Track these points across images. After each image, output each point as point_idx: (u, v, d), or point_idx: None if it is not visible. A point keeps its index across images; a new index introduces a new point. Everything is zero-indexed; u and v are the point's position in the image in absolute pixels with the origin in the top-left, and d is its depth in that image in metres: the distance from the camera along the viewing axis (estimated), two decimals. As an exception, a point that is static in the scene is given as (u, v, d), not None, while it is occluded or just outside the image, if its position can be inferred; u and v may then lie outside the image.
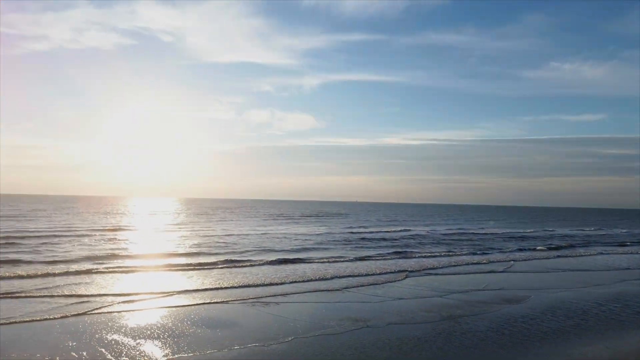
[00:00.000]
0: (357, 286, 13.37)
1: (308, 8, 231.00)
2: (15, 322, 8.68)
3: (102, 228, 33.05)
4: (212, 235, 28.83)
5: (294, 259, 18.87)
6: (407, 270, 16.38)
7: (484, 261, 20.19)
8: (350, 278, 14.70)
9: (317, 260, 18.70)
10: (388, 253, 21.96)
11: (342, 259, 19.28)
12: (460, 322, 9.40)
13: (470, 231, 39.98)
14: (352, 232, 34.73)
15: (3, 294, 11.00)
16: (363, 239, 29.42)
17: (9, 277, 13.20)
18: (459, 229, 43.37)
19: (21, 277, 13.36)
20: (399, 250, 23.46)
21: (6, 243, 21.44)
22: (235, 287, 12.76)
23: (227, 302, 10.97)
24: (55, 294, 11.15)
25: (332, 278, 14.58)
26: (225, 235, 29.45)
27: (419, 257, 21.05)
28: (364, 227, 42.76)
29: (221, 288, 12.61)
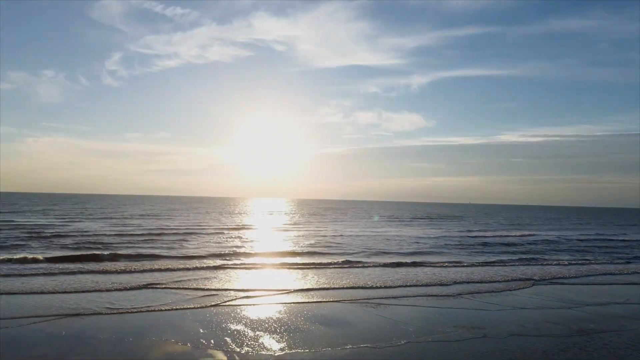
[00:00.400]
0: (473, 293, 12.67)
1: (415, 6, 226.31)
2: (155, 310, 9.88)
3: (227, 227, 36.01)
4: (324, 236, 29.67)
5: (407, 262, 18.54)
6: (531, 279, 15.09)
7: (626, 271, 17.76)
8: (467, 284, 13.99)
9: (431, 264, 18.15)
10: (510, 260, 20.40)
11: (459, 264, 18.43)
12: (594, 338, 8.38)
13: (608, 237, 35.47)
14: (469, 236, 33.04)
15: (145, 284, 12.61)
16: (484, 244, 27.70)
17: (150, 270, 15.11)
18: (596, 234, 38.75)
19: (159, 270, 15.20)
20: (523, 256, 21.68)
21: (148, 239, 24.59)
22: (346, 288, 12.96)
23: (338, 301, 11.20)
24: (188, 287, 12.45)
25: (449, 284, 14.02)
26: (337, 235, 30.09)
27: (545, 264, 19.26)
28: (483, 230, 40.41)
29: (333, 288, 12.91)
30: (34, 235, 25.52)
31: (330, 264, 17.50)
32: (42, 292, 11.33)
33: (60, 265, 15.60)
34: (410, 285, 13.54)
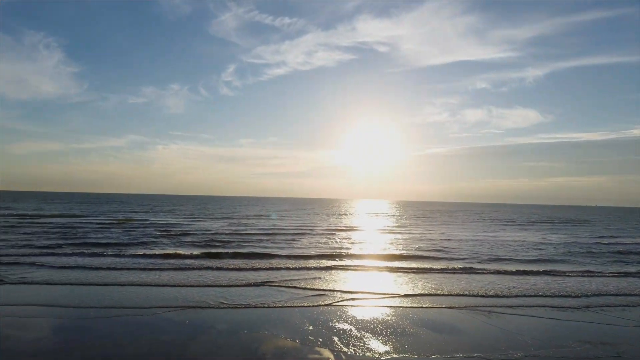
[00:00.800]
0: (603, 306, 11.29)
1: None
2: (266, 307, 10.46)
3: (334, 228, 36.79)
4: (432, 239, 28.76)
5: (525, 270, 17.16)
6: (679, 293, 13.00)
7: None
8: (597, 297, 12.51)
9: (553, 273, 16.57)
10: (650, 270, 17.81)
11: (588, 274, 16.56)
12: None
13: None
14: (601, 243, 29.50)
15: (260, 282, 13.42)
16: (618, 252, 24.48)
17: (264, 269, 16.05)
18: None
19: (272, 268, 16.07)
20: (668, 267, 18.76)
21: (261, 239, 26.13)
22: (455, 295, 12.42)
23: (446, 307, 10.78)
24: (297, 286, 12.96)
25: (575, 295, 12.69)
26: (446, 239, 28.96)
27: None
28: (616, 236, 35.82)
29: (441, 294, 12.45)
30: (164, 233, 28.69)
31: (438, 269, 16.92)
32: (171, 285, 12.69)
33: (187, 261, 17.31)
34: (528, 295, 12.51)
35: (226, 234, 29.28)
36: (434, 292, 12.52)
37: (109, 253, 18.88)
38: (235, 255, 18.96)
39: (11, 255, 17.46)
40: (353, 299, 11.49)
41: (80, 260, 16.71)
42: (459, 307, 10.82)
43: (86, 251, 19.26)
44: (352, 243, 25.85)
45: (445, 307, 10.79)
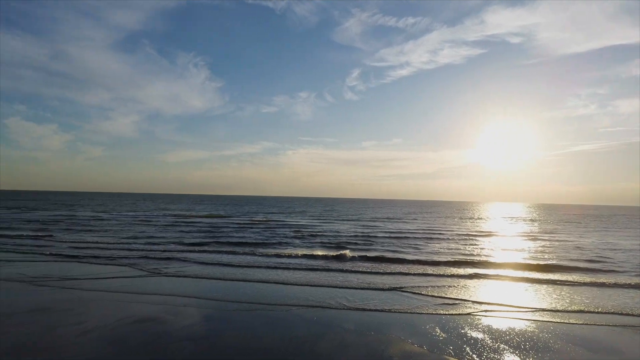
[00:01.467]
0: None
1: None
2: (394, 311, 10.29)
3: (466, 233, 34.83)
4: (586, 248, 25.42)
5: None
6: None
7: None
8: None
9: None
10: None
11: None
12: None
13: None
14: None
15: (389, 287, 13.31)
16: None
17: (393, 273, 15.89)
18: None
19: (400, 273, 15.82)
20: None
21: (389, 242, 25.94)
22: (616, 314, 10.76)
23: (604, 325, 9.37)
24: (427, 293, 12.52)
25: None
26: (605, 249, 25.35)
27: None
28: None
29: (595, 312, 10.90)
30: (297, 234, 30.27)
31: (593, 282, 14.89)
32: (301, 284, 13.29)
33: (317, 262, 17.99)
34: None
35: (354, 236, 29.73)
36: (588, 309, 11.02)
37: (247, 252, 20.57)
38: (363, 258, 19.11)
39: (169, 251, 20.09)
40: (489, 311, 10.66)
41: (222, 258, 18.50)
42: (613, 325, 9.34)
43: (227, 250, 21.27)
44: (489, 249, 24.13)
45: (602, 325, 9.40)
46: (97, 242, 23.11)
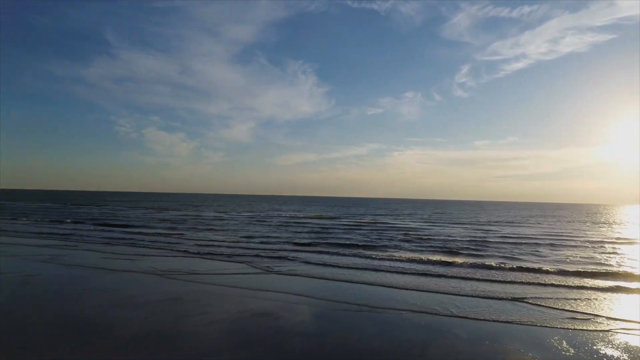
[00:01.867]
0: None
1: None
2: (514, 323, 9.54)
3: (600, 239, 30.96)
4: None
5: None
6: None
7: None
8: None
9: None
10: None
11: None
12: None
13: None
14: None
15: (506, 296, 12.42)
16: None
17: (510, 282, 14.79)
18: None
19: (520, 282, 14.64)
20: None
21: (508, 248, 24.15)
22: None
23: None
24: (552, 306, 11.39)
25: None
26: None
27: None
28: None
29: None
30: (405, 236, 29.75)
31: None
32: (408, 289, 13.00)
33: (426, 267, 17.48)
34: None
35: (467, 240, 28.28)
36: None
37: (354, 253, 20.74)
38: (476, 265, 18.05)
39: (281, 251, 21.11)
40: (632, 329, 9.35)
41: (330, 259, 18.90)
42: None
43: (336, 251, 21.67)
44: (631, 259, 21.17)
45: None
46: (218, 241, 25.17)
